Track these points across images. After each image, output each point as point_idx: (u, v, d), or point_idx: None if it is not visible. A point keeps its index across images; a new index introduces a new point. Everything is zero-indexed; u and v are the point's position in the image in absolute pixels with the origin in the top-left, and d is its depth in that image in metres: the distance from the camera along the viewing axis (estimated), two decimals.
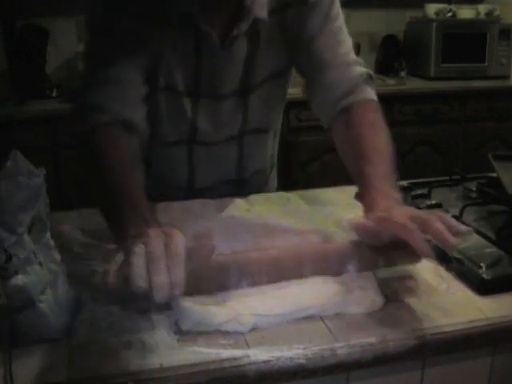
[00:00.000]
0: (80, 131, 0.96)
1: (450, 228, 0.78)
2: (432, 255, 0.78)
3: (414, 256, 0.82)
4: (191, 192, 1.24)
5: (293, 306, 0.79)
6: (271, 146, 1.34)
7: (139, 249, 0.68)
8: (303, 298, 0.81)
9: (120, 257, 0.71)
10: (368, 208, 0.90)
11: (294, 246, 0.90)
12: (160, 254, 0.67)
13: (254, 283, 0.82)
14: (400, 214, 0.81)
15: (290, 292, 0.82)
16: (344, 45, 1.12)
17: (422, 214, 0.82)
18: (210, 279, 0.81)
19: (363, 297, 0.82)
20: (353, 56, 1.13)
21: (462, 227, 0.79)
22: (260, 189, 1.30)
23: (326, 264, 0.85)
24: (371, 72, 1.13)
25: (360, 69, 1.11)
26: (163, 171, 1.24)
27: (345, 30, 1.13)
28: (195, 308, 0.77)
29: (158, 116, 1.14)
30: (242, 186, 1.27)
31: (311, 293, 0.81)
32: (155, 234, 0.70)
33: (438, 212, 0.84)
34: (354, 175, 1.00)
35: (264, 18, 1.06)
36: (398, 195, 0.90)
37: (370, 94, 1.10)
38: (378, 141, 1.00)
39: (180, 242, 0.70)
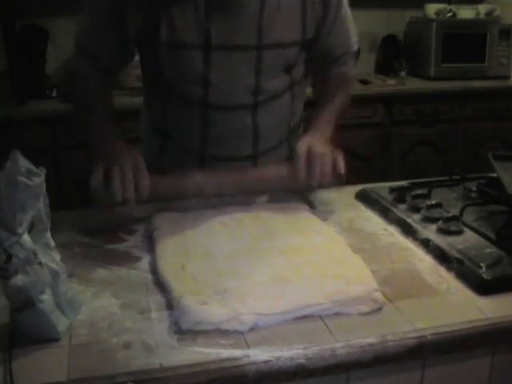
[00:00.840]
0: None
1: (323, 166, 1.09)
2: (305, 180, 1.11)
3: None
4: (204, 160, 1.25)
5: (292, 305, 0.79)
6: (289, 113, 1.33)
7: (115, 171, 1.02)
8: (303, 297, 0.81)
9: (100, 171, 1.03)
10: (306, 129, 1.26)
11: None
12: (129, 175, 1.03)
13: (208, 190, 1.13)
14: (305, 151, 1.11)
15: (289, 291, 0.82)
16: (349, 32, 1.33)
17: (318, 151, 1.10)
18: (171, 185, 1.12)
19: (363, 297, 0.82)
20: (353, 39, 1.35)
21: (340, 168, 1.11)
22: None
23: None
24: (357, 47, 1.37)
25: (355, 46, 1.36)
26: (177, 137, 1.26)
27: (349, 14, 1.33)
28: (195, 307, 0.77)
29: (167, 77, 1.19)
30: (256, 164, 1.27)
31: (311, 292, 0.81)
32: (126, 160, 1.05)
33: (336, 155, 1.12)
34: (316, 106, 1.29)
35: None
36: (328, 130, 1.22)
37: (351, 67, 1.37)
38: (339, 93, 1.31)
39: (142, 163, 1.06)
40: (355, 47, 1.36)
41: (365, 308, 0.81)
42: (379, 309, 0.82)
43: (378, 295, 0.82)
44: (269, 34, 1.16)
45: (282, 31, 1.17)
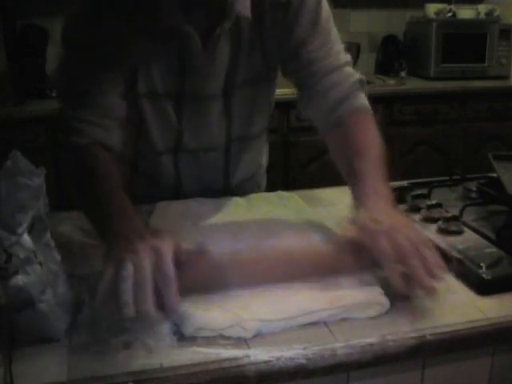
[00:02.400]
0: (65, 144, 1.02)
1: (426, 267, 0.79)
2: (403, 288, 0.80)
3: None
4: (178, 197, 1.22)
5: (297, 312, 0.78)
6: (259, 153, 1.33)
7: (126, 272, 0.70)
8: (307, 303, 0.79)
9: (109, 274, 0.73)
10: (358, 203, 0.92)
11: (289, 248, 0.89)
12: (148, 277, 0.71)
13: (250, 284, 0.82)
14: (384, 237, 0.81)
15: (294, 298, 0.81)
16: (333, 48, 1.10)
17: (405, 243, 0.81)
18: (208, 283, 0.81)
19: (369, 301, 0.81)
20: (343, 57, 1.11)
21: (437, 272, 0.80)
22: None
23: (317, 267, 0.86)
24: (362, 77, 1.11)
25: (352, 73, 1.10)
26: (150, 176, 1.24)
27: (334, 30, 1.12)
28: (197, 313, 0.76)
29: (145, 124, 1.14)
30: (229, 194, 1.25)
31: (315, 298, 0.80)
32: (143, 253, 0.72)
33: (426, 241, 0.84)
34: (346, 176, 1.01)
35: (247, 16, 1.04)
36: (388, 191, 0.92)
37: (362, 100, 1.09)
38: (370, 143, 1.02)
39: (169, 258, 0.72)
40: (349, 62, 1.13)
41: (372, 312, 0.80)
42: (385, 313, 0.81)
43: (384, 299, 0.82)
44: (238, 78, 1.12)
45: (249, 70, 1.13)
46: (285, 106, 2.55)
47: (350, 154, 1.00)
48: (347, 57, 1.13)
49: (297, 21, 1.08)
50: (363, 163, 0.97)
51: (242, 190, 1.26)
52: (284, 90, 2.60)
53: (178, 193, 1.24)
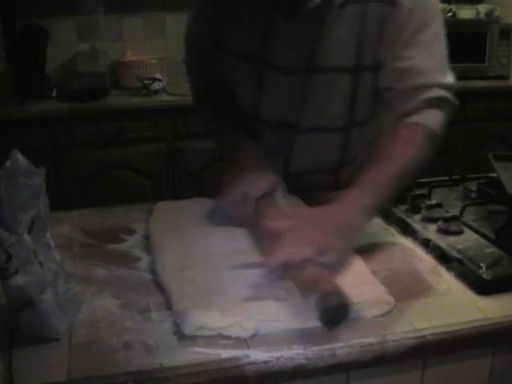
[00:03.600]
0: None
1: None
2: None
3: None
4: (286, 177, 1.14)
5: (300, 314, 0.78)
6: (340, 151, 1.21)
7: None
8: (310, 312, 0.78)
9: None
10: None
11: None
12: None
13: None
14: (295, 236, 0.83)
15: (294, 296, 0.81)
16: (429, 61, 1.03)
17: (301, 259, 0.80)
18: None
19: (373, 299, 0.81)
20: (435, 77, 1.03)
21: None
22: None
23: None
24: (445, 95, 1.02)
25: (436, 92, 1.02)
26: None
27: (440, 42, 1.05)
28: (196, 312, 0.76)
29: (261, 98, 1.14)
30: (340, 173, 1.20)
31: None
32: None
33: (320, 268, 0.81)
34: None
35: None
36: (365, 204, 0.89)
37: (430, 118, 1.01)
38: (401, 155, 0.97)
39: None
40: (438, 87, 1.02)
41: (377, 311, 0.80)
42: (390, 311, 0.81)
43: (389, 297, 0.82)
44: (322, 58, 1.07)
45: (337, 56, 1.07)
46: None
47: (382, 152, 0.98)
48: (439, 79, 1.03)
49: (404, 20, 1.02)
50: (377, 165, 0.95)
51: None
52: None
53: (286, 173, 1.18)
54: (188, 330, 0.75)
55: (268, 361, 0.71)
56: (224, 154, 1.22)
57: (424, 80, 1.02)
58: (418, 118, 1.01)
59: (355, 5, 1.03)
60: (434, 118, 1.01)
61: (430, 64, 1.03)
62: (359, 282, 0.84)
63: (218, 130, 1.22)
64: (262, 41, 1.09)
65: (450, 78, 1.04)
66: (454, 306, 0.83)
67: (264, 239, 0.93)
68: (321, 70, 1.08)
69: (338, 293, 0.76)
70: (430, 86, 1.02)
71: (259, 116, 1.17)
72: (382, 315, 0.80)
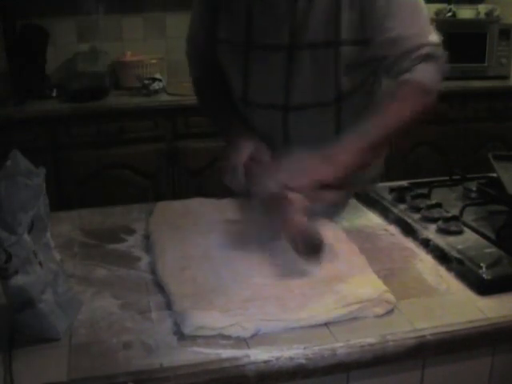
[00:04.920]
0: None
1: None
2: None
3: None
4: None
5: (299, 313, 0.78)
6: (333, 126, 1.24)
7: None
8: (311, 303, 0.79)
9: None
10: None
11: None
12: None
13: None
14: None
15: (295, 296, 0.81)
16: (413, 26, 1.11)
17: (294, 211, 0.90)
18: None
19: (375, 299, 0.81)
20: (421, 39, 1.11)
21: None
22: None
23: None
24: (434, 50, 1.11)
25: (423, 50, 1.10)
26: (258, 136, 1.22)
27: (419, 5, 1.12)
28: (196, 312, 0.76)
29: (250, 76, 1.19)
30: None
31: (320, 300, 0.80)
32: None
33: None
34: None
35: None
36: (359, 146, 1.00)
37: (420, 73, 1.10)
38: (391, 107, 1.08)
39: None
40: (426, 44, 1.10)
41: (379, 310, 0.80)
42: (391, 310, 0.81)
43: (390, 296, 0.82)
44: (301, 34, 1.12)
45: (315, 31, 1.11)
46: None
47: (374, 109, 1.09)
48: (425, 39, 1.11)
49: (379, 3, 1.08)
50: (364, 121, 1.04)
51: None
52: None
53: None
54: (188, 329, 0.75)
55: (268, 361, 0.71)
56: (221, 133, 1.27)
57: (411, 44, 1.09)
58: (408, 76, 1.09)
59: None
60: (424, 73, 1.09)
61: (414, 29, 1.11)
62: (361, 282, 0.84)
63: (216, 113, 1.29)
64: (245, 23, 1.14)
65: (434, 37, 1.13)
66: (453, 306, 0.83)
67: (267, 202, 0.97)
68: (302, 46, 1.13)
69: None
70: (417, 48, 1.09)
71: (249, 99, 1.20)
72: (384, 315, 0.80)
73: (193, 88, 1.34)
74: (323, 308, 0.78)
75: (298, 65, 1.14)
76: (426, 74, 1.10)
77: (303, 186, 0.93)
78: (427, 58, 1.10)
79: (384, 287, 0.83)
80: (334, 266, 0.89)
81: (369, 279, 0.86)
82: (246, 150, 1.08)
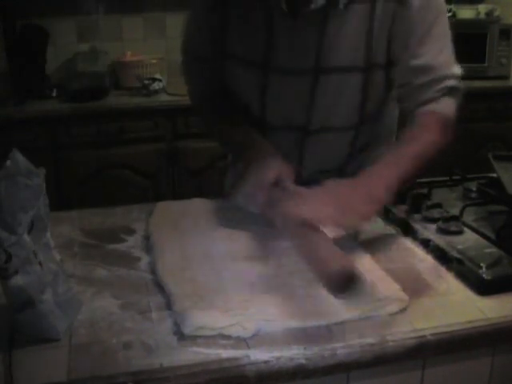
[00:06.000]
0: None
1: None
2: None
3: None
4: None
5: (301, 314, 0.78)
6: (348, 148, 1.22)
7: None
8: (312, 303, 0.79)
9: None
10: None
11: None
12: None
13: None
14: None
15: (295, 296, 0.81)
16: (441, 55, 1.10)
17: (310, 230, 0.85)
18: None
19: (391, 297, 0.81)
20: (447, 70, 1.11)
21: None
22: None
23: None
24: (455, 84, 1.12)
25: (448, 82, 1.10)
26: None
27: (448, 35, 1.11)
28: (196, 312, 0.76)
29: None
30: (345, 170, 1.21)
31: (321, 297, 0.80)
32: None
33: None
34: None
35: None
36: (388, 177, 0.94)
37: (445, 106, 1.10)
38: (418, 140, 1.05)
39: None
40: (449, 78, 1.10)
41: (393, 308, 0.80)
42: (404, 308, 0.81)
43: (403, 294, 0.82)
44: (329, 58, 1.08)
45: (344, 56, 1.08)
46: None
47: (400, 139, 1.08)
48: (451, 69, 1.11)
49: (413, 18, 1.05)
50: (394, 151, 1.03)
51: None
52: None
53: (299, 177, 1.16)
54: (188, 329, 0.75)
55: (268, 361, 0.71)
56: (235, 152, 1.22)
57: (437, 74, 1.09)
58: (434, 107, 1.09)
59: (362, 4, 1.03)
60: (448, 106, 1.10)
61: (442, 58, 1.10)
62: (373, 280, 0.84)
63: (228, 133, 1.19)
64: (264, 44, 1.08)
65: (457, 69, 1.13)
66: (454, 305, 0.83)
67: (287, 222, 0.90)
68: (329, 70, 1.09)
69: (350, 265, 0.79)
70: (442, 78, 1.09)
71: (265, 120, 1.16)
72: (384, 315, 0.80)
73: (195, 112, 1.30)
74: (332, 308, 0.78)
75: (322, 89, 1.10)
76: (451, 108, 1.11)
77: (339, 223, 0.88)
78: (451, 91, 1.11)
79: (397, 285, 0.83)
80: None
81: (381, 278, 0.86)
82: (271, 172, 0.98)
